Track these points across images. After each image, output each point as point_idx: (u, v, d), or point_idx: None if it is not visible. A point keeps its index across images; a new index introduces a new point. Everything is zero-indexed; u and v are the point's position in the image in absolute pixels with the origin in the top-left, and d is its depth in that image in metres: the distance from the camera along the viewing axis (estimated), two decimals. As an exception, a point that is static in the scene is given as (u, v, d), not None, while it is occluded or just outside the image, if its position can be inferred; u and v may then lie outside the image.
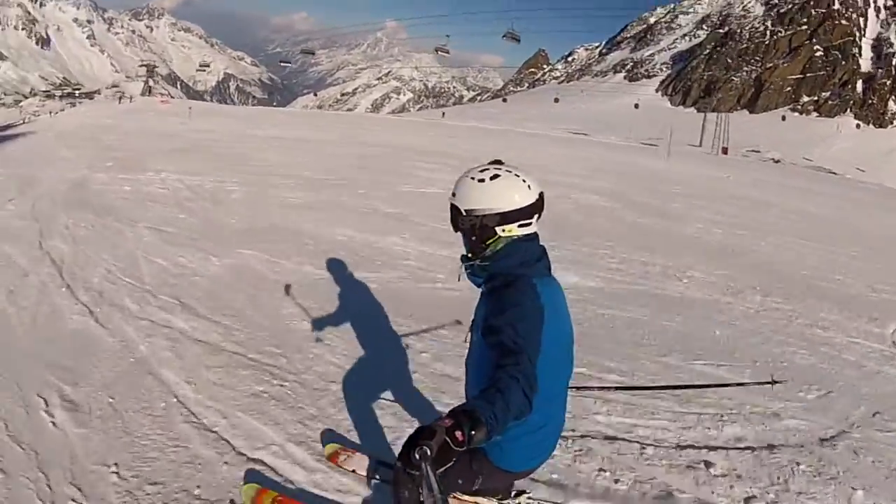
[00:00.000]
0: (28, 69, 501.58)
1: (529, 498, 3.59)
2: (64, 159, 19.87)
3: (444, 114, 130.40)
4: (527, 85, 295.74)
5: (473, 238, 2.81)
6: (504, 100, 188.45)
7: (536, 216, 2.79)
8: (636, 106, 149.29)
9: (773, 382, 5.37)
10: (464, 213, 2.78)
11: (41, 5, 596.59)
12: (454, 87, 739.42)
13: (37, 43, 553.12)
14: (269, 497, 3.66)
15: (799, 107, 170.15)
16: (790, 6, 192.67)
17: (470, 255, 2.89)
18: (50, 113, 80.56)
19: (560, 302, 2.87)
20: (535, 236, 2.84)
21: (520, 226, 2.75)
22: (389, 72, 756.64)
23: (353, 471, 4.12)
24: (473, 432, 2.06)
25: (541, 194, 2.78)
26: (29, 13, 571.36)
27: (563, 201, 16.43)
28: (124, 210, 12.25)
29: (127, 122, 41.32)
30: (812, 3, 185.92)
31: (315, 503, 3.97)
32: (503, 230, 2.74)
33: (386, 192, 16.52)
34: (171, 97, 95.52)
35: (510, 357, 2.43)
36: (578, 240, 12.37)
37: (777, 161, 79.56)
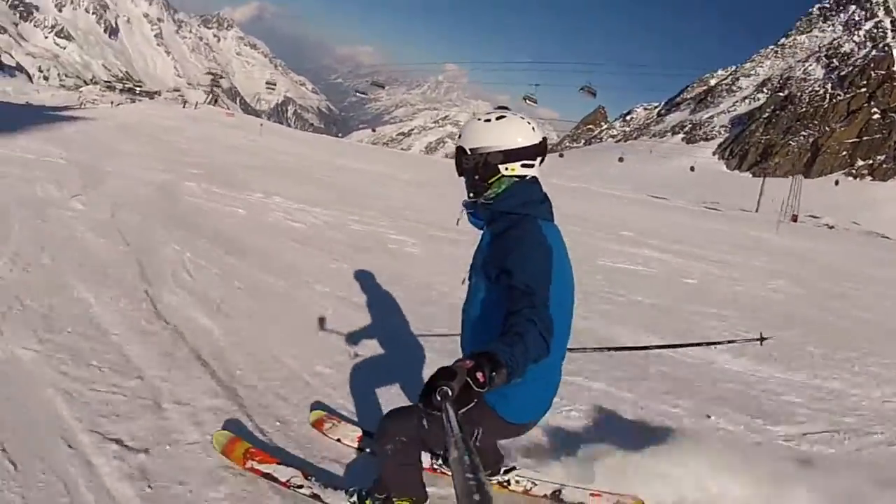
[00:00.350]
0: (93, 55, 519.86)
1: (519, 475, 3.67)
2: (129, 154, 18.61)
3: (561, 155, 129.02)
4: (583, 141, 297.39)
5: (476, 177, 2.83)
6: (561, 155, 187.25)
7: (539, 159, 2.82)
8: (692, 169, 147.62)
9: (762, 339, 5.25)
10: (468, 153, 2.80)
11: None
12: None
13: (105, 30, 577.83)
14: (241, 447, 3.51)
15: (853, 171, 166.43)
16: (850, 69, 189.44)
17: (472, 195, 2.89)
18: (112, 103, 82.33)
19: (563, 248, 2.85)
20: (536, 181, 2.86)
21: (522, 165, 2.78)
22: (447, 116, 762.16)
23: (339, 439, 3.98)
24: (494, 374, 2.04)
25: (544, 138, 2.82)
26: None
27: (739, 285, 13.48)
28: (259, 248, 9.21)
29: (191, 127, 40.58)
30: (872, 65, 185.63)
31: (289, 461, 3.55)
32: (506, 168, 2.76)
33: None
34: (233, 112, 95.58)
35: (524, 299, 2.43)
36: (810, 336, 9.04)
37: (831, 227, 78.15)
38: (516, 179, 2.78)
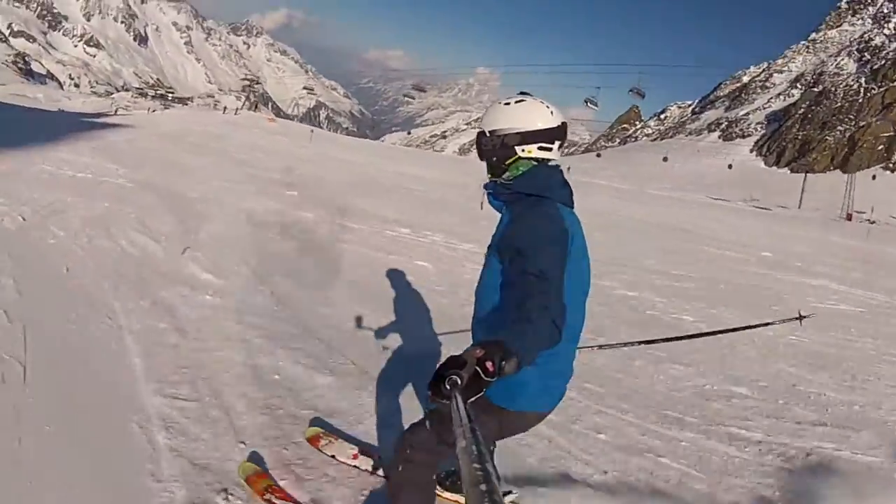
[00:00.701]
0: (123, 63, 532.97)
1: (513, 502, 3.59)
2: (198, 170, 16.49)
3: (569, 168, 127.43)
4: (618, 140, 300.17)
5: (495, 159, 2.86)
6: (598, 155, 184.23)
7: (558, 143, 2.85)
8: (730, 167, 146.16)
9: (801, 318, 5.27)
10: (487, 134, 2.85)
11: (142, 2, 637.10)
12: None
13: (134, 39, 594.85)
14: (263, 483, 3.51)
15: (891, 165, 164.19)
16: (883, 62, 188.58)
17: (490, 176, 2.94)
18: (148, 110, 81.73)
19: (581, 235, 2.88)
20: (557, 167, 2.91)
21: (540, 148, 2.79)
22: (479, 118, 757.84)
23: (333, 456, 3.89)
24: (504, 363, 2.05)
25: (563, 123, 2.85)
26: (129, 7, 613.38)
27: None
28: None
29: (238, 135, 38.72)
30: None
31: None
32: (523, 150, 2.78)
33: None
34: (274, 118, 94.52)
35: (537, 285, 2.43)
36: None
37: (872, 223, 74.89)
38: (535, 162, 2.80)
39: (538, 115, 2.78)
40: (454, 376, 1.94)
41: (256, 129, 52.02)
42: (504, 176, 2.83)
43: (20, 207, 7.59)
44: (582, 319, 2.86)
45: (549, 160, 2.83)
